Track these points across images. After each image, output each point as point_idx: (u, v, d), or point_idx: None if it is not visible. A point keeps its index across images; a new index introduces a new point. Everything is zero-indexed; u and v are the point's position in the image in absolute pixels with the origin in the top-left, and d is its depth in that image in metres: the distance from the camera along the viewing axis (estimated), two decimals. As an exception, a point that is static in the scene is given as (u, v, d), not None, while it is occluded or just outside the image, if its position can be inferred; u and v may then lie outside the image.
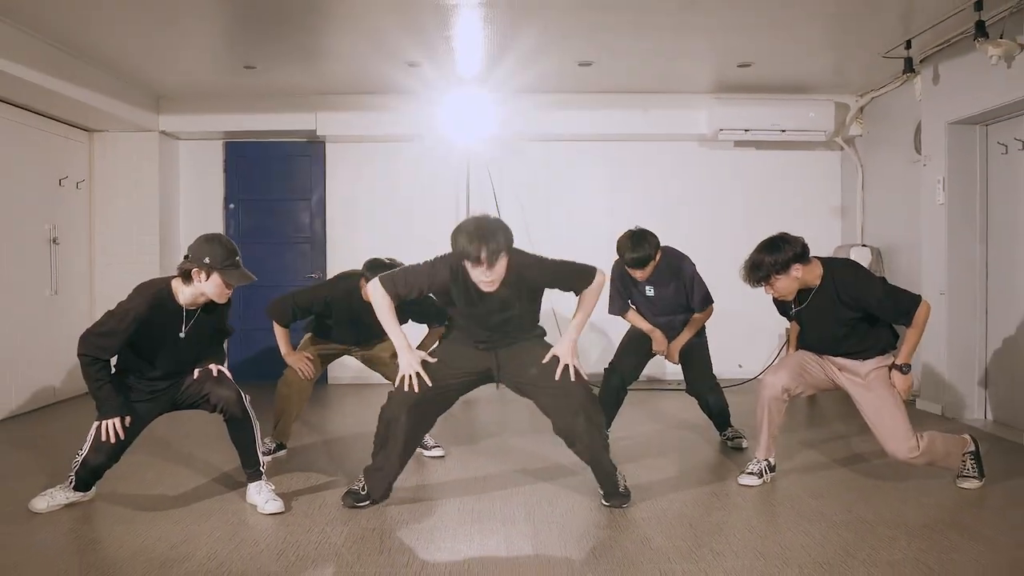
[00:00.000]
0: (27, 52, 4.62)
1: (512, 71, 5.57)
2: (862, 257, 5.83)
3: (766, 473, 3.51)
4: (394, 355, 3.98)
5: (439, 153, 6.43)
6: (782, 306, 3.53)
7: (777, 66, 5.57)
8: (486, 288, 2.94)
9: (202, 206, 6.68)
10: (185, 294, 3.10)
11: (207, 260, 3.04)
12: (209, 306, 3.21)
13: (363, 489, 3.20)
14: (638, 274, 4.00)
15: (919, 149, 5.34)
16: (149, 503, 3.28)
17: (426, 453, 4.01)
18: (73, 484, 3.19)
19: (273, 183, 6.67)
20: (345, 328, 4.00)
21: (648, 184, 6.59)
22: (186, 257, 3.11)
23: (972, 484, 3.40)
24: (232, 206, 6.70)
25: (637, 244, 3.92)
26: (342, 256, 6.28)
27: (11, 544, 2.81)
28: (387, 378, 4.03)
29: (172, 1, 4.11)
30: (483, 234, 2.83)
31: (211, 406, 3.25)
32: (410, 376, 3.06)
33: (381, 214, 6.48)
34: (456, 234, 2.91)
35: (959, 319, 4.93)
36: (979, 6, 4.17)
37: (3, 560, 2.66)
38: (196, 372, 3.26)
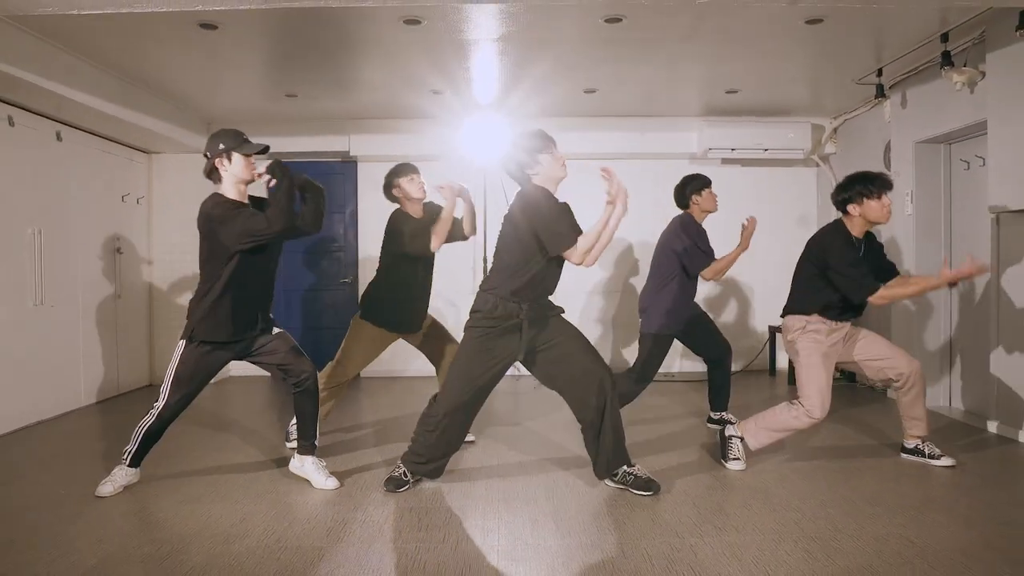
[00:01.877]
0: (97, 84, 4.64)
1: (524, 98, 5.58)
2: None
3: (744, 452, 3.50)
4: (439, 335, 3.95)
5: (459, 172, 6.43)
6: (851, 251, 3.29)
7: (760, 92, 5.56)
8: (563, 171, 3.01)
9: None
10: (229, 190, 3.03)
11: (222, 146, 2.99)
12: (256, 203, 3.14)
13: (405, 475, 3.18)
14: (712, 201, 4.15)
15: (889, 165, 5.33)
16: (209, 484, 3.29)
17: None
18: (129, 459, 3.14)
19: (311, 198, 6.68)
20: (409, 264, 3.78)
21: (644, 198, 6.52)
22: (205, 156, 3.04)
23: (950, 461, 3.47)
24: (274, 219, 6.69)
25: None
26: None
27: (91, 524, 2.82)
28: (434, 363, 3.97)
29: (223, 38, 4.12)
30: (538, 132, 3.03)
31: (287, 374, 3.19)
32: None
33: (407, 226, 6.48)
34: (521, 145, 3.01)
35: (927, 319, 4.92)
36: (945, 38, 4.16)
37: (86, 538, 2.67)
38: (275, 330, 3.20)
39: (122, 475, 3.17)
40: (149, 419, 3.11)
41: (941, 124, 4.62)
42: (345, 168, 6.64)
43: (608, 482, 3.19)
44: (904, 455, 3.59)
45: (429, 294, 3.95)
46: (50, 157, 4.84)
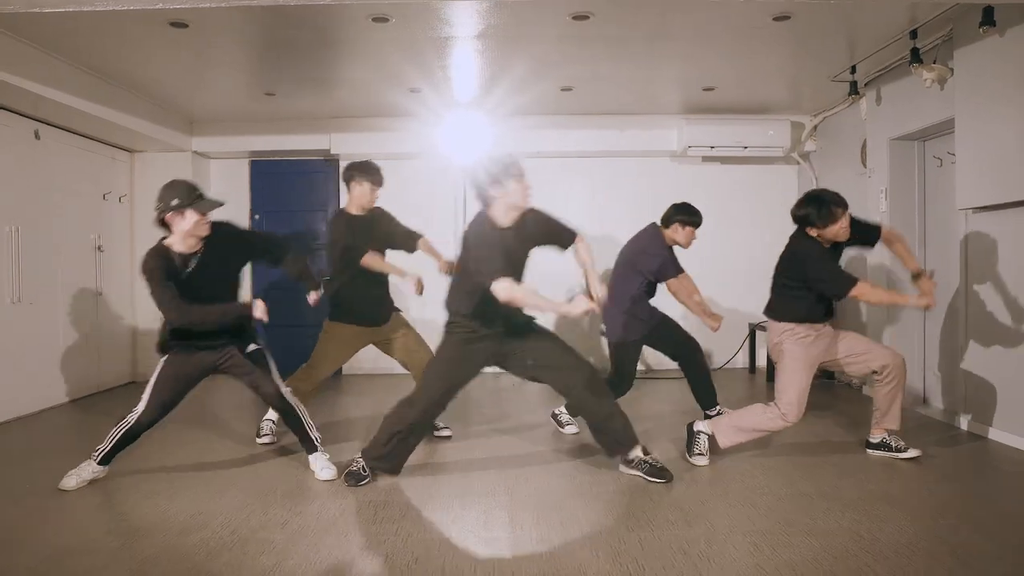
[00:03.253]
0: (78, 84, 4.66)
1: (503, 96, 5.57)
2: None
3: (710, 448, 3.51)
4: (409, 338, 3.93)
5: (439, 169, 6.46)
6: (826, 262, 3.32)
7: (738, 90, 5.55)
8: (525, 202, 2.97)
9: (231, 217, 6.64)
10: (177, 242, 3.01)
11: (176, 202, 2.95)
12: (212, 244, 3.09)
13: (363, 470, 3.20)
14: (688, 239, 4.07)
15: (865, 162, 5.33)
16: (174, 479, 3.30)
17: (435, 433, 4.02)
18: (100, 458, 3.17)
19: (293, 196, 6.70)
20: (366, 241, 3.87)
21: (625, 196, 6.57)
22: (157, 210, 2.99)
23: (916, 452, 3.51)
24: (257, 217, 6.72)
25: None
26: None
27: (50, 517, 2.84)
28: (405, 366, 3.96)
29: (195, 37, 4.13)
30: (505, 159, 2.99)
31: (256, 391, 3.28)
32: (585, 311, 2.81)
33: (389, 223, 6.50)
34: (495, 165, 2.95)
35: (902, 316, 4.92)
36: (914, 35, 4.16)
37: (44, 531, 2.69)
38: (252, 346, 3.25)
39: (89, 471, 3.19)
40: (126, 424, 3.14)
41: (914, 121, 4.62)
42: (326, 166, 6.65)
43: (623, 468, 3.28)
44: (870, 451, 3.59)
45: (387, 285, 3.98)
46: (28, 155, 4.86)
